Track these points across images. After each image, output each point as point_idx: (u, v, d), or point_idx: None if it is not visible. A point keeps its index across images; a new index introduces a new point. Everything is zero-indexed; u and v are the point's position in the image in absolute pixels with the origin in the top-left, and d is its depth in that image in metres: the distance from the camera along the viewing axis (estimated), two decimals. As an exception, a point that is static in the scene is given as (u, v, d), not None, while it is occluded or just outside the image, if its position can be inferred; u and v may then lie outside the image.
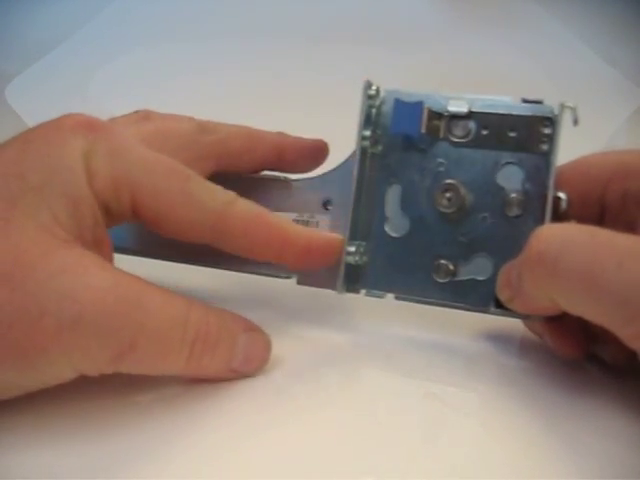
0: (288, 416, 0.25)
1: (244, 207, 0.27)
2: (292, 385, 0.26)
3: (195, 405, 0.25)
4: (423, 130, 0.28)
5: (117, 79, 0.59)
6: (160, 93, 0.61)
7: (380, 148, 0.29)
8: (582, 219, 0.27)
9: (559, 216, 0.27)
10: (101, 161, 0.25)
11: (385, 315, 0.31)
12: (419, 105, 0.28)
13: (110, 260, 0.26)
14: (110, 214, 0.25)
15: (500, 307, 0.27)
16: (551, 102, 0.27)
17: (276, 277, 0.31)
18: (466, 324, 0.30)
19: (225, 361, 0.25)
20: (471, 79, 0.60)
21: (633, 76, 0.59)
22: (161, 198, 0.25)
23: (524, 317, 0.27)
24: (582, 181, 0.28)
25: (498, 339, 0.30)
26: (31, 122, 0.48)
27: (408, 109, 0.28)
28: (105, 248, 0.25)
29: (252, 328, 0.27)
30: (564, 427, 0.23)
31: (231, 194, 0.27)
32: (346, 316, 0.32)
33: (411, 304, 0.29)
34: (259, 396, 0.26)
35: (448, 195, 0.28)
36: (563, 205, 0.26)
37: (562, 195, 0.26)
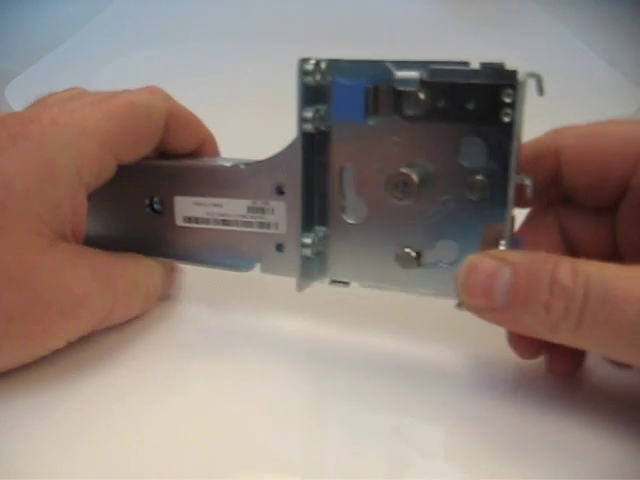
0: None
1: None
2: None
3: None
4: (368, 113, 0.25)
5: (117, 79, 0.59)
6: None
7: (329, 124, 0.26)
8: (595, 201, 0.25)
9: (525, 202, 0.24)
10: (85, 145, 0.27)
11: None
12: (360, 86, 0.25)
13: (82, 234, 0.28)
14: (100, 176, 0.28)
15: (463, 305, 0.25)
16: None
17: (237, 270, 0.30)
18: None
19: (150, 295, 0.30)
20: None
21: (633, 76, 0.59)
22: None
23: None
24: (600, 154, 0.24)
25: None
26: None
27: (349, 92, 0.25)
28: (79, 232, 0.28)
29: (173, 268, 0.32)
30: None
31: None
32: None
33: (378, 297, 0.27)
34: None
35: (401, 186, 0.25)
36: (528, 192, 0.24)
37: (527, 181, 0.24)
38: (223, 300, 0.32)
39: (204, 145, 0.32)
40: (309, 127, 0.26)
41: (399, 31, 0.71)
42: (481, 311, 0.23)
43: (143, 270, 0.30)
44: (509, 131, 0.23)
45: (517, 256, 0.22)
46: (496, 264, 0.22)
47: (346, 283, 0.28)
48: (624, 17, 0.73)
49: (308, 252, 0.27)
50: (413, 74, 0.24)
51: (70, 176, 0.26)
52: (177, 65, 0.66)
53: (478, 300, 0.23)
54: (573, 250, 0.26)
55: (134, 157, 0.29)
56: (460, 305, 0.25)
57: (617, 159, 0.24)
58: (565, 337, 0.21)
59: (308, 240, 0.27)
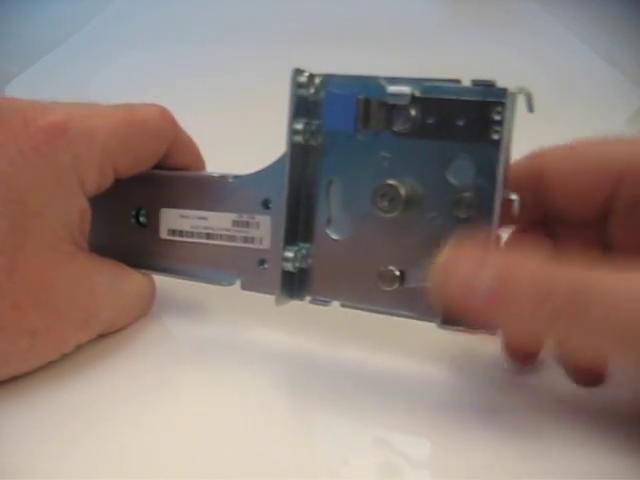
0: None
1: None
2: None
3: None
4: (359, 124, 0.25)
5: (117, 79, 0.59)
6: (160, 92, 0.61)
7: (320, 140, 0.26)
8: (580, 222, 0.26)
9: (511, 220, 0.24)
10: (86, 163, 0.27)
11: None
12: (352, 97, 0.25)
13: (87, 236, 0.29)
14: (100, 188, 0.29)
15: (447, 323, 0.24)
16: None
17: (218, 284, 0.30)
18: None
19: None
20: (471, 78, 0.59)
21: (633, 76, 0.59)
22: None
23: (474, 331, 0.24)
24: (583, 175, 0.25)
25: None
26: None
27: (341, 102, 0.26)
28: (87, 235, 0.29)
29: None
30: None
31: None
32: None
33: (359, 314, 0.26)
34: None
35: (388, 198, 0.25)
36: (515, 208, 0.23)
37: (514, 196, 0.24)
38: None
39: (194, 166, 0.32)
40: (299, 139, 0.26)
41: (399, 31, 0.71)
42: (467, 310, 0.22)
43: (145, 280, 0.31)
44: (497, 149, 0.23)
45: (497, 258, 0.22)
46: (475, 266, 0.22)
47: (326, 302, 0.27)
48: (624, 17, 0.73)
49: (289, 266, 0.27)
50: (405, 89, 0.25)
51: (77, 188, 0.27)
52: (177, 65, 0.66)
53: (457, 302, 0.22)
54: None
55: (131, 173, 0.29)
56: (443, 324, 0.24)
57: (600, 178, 0.25)
58: (550, 338, 0.22)
59: (290, 254, 0.27)
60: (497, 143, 0.23)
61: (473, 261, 0.22)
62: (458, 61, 0.65)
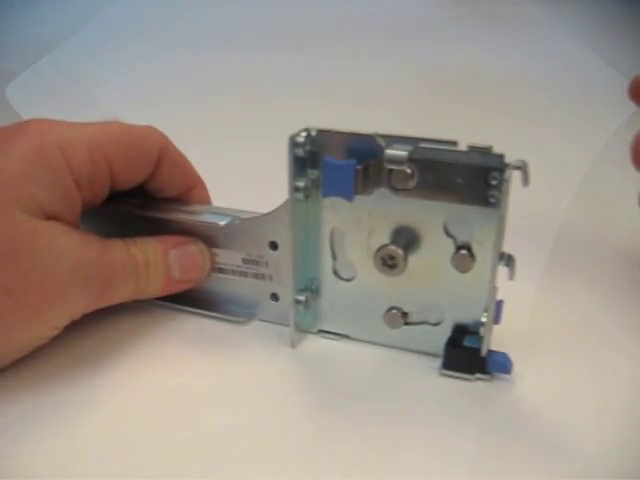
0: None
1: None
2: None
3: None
4: (358, 190, 0.25)
5: (117, 79, 0.59)
6: (160, 92, 0.61)
7: (320, 190, 0.27)
8: None
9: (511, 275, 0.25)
10: (75, 144, 0.28)
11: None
12: (351, 166, 0.25)
13: (77, 226, 0.29)
14: (94, 183, 0.29)
15: (448, 368, 0.26)
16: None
17: (234, 320, 0.30)
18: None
19: (165, 275, 0.30)
20: (471, 79, 0.60)
21: (633, 76, 0.59)
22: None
23: (472, 376, 0.26)
24: None
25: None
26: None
27: (340, 172, 0.25)
28: (75, 221, 0.29)
29: (181, 242, 0.30)
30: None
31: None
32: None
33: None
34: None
35: (389, 262, 0.26)
36: (511, 273, 0.24)
37: (512, 255, 0.25)
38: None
39: (194, 189, 0.32)
40: (300, 196, 0.27)
41: (399, 31, 0.71)
42: None
43: (137, 247, 0.29)
44: (494, 211, 0.24)
45: None
46: None
47: (337, 335, 0.29)
48: (624, 17, 0.73)
49: (301, 308, 0.28)
50: (402, 154, 0.25)
51: (61, 166, 0.27)
52: (176, 65, 0.66)
53: None
54: None
55: (128, 180, 0.30)
56: (444, 369, 0.26)
57: None
58: None
59: (302, 297, 0.28)
60: (494, 206, 0.24)
61: None
62: (458, 61, 0.65)
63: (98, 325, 0.29)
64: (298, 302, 0.28)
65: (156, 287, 0.30)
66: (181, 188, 0.32)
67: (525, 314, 0.30)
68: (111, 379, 0.27)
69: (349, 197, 0.25)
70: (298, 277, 0.28)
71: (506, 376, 0.26)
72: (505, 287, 0.25)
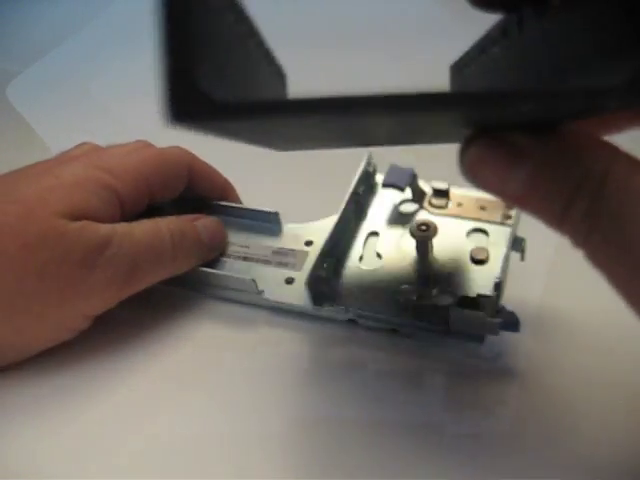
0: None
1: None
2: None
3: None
4: (409, 186, 0.33)
5: (117, 79, 0.60)
6: (159, 93, 0.61)
7: (369, 200, 0.34)
8: None
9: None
10: (122, 177, 0.31)
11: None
12: (410, 170, 0.33)
13: None
14: (135, 206, 0.32)
15: (455, 332, 0.29)
16: None
17: (246, 291, 0.31)
18: None
19: (197, 241, 0.32)
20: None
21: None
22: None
23: (481, 340, 0.29)
24: None
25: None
26: (32, 121, 0.48)
27: (399, 170, 0.33)
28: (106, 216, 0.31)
29: (199, 217, 0.34)
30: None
31: None
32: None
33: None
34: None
35: (422, 227, 0.31)
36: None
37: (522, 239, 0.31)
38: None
39: (225, 192, 0.37)
40: (357, 197, 0.33)
41: (398, 31, 0.71)
42: (492, 182, 0.20)
43: (165, 221, 0.32)
44: (511, 232, 0.31)
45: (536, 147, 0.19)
46: (510, 160, 0.19)
47: (344, 311, 0.30)
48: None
49: (322, 272, 0.30)
50: (444, 184, 0.34)
51: (112, 188, 0.31)
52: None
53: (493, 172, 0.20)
54: None
55: (164, 195, 0.34)
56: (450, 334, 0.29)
57: None
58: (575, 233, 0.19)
59: (324, 264, 0.30)
60: (511, 227, 0.31)
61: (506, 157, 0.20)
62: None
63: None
64: (316, 267, 0.30)
65: (190, 256, 0.32)
66: (213, 194, 0.36)
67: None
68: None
69: (402, 186, 0.32)
70: (323, 253, 0.31)
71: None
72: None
